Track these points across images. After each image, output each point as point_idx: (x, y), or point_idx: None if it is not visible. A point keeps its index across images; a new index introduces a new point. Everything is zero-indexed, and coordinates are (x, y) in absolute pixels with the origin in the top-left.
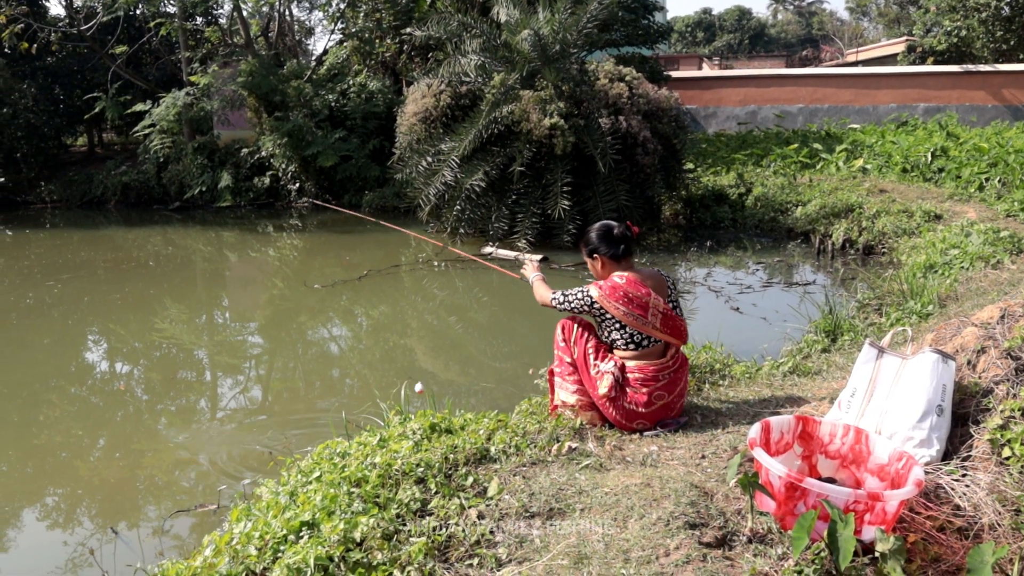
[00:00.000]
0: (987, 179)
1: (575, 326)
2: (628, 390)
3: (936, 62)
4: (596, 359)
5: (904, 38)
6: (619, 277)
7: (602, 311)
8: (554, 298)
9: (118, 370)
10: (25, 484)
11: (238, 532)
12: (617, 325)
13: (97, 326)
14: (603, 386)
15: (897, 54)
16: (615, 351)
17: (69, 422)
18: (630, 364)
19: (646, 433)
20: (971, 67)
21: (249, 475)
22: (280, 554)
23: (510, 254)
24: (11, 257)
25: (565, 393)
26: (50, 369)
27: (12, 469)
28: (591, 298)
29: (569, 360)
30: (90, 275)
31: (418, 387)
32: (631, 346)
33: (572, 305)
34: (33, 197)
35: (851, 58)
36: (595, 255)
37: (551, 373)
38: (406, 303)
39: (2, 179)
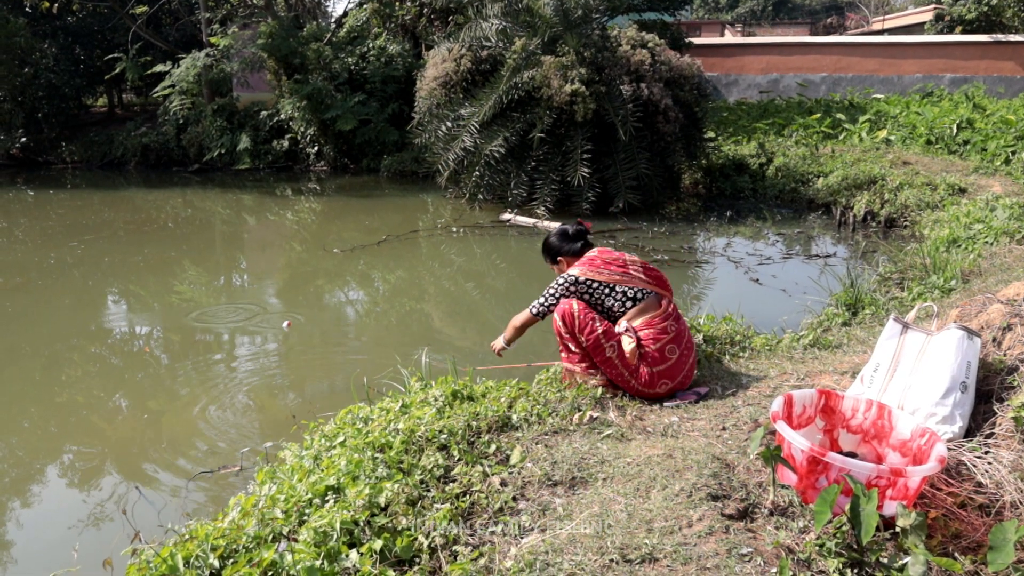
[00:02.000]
0: (1014, 152)
1: (575, 312)
2: (642, 351)
3: (965, 31)
4: (609, 340)
5: (932, 6)
6: (591, 253)
7: (587, 282)
8: (532, 308)
9: (138, 331)
10: (48, 442)
11: (264, 495)
12: (607, 290)
13: (118, 287)
14: (628, 346)
15: (924, 22)
16: (618, 320)
17: (90, 382)
18: (636, 323)
19: (667, 404)
20: (1000, 37)
21: (271, 438)
22: (306, 517)
23: (528, 221)
24: (33, 217)
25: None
26: (72, 329)
27: (35, 427)
28: (573, 276)
29: (576, 349)
30: (111, 236)
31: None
32: (628, 303)
33: (554, 295)
34: (54, 157)
35: (877, 26)
36: (559, 258)
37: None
38: (424, 268)
39: (24, 139)
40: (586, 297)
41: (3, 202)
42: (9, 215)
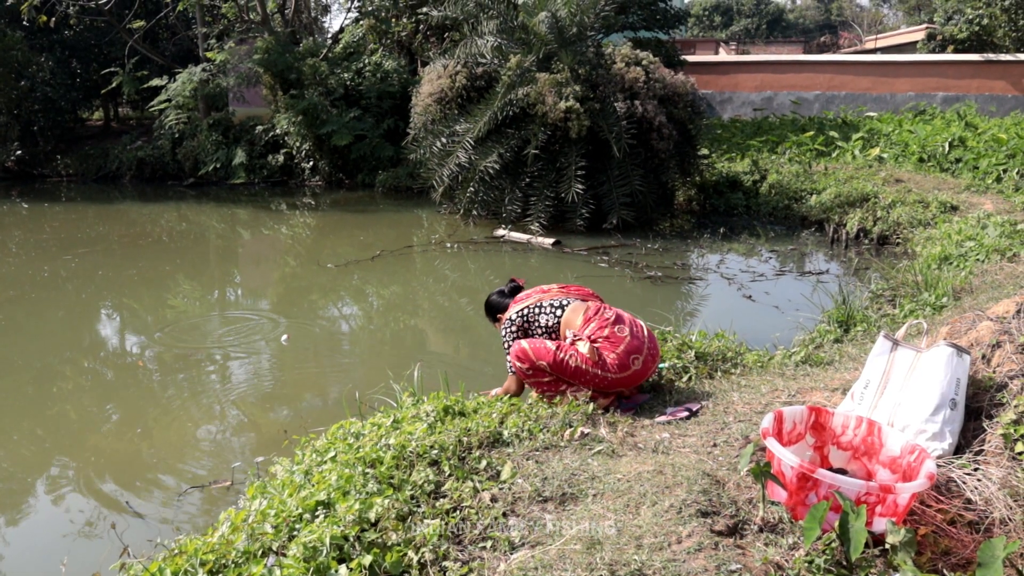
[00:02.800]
0: (1005, 170)
1: (526, 346)
2: (595, 345)
3: (956, 50)
4: (565, 352)
5: (924, 25)
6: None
7: (520, 312)
8: (510, 369)
9: (131, 345)
10: (39, 455)
11: (254, 510)
12: (537, 310)
13: (111, 301)
14: (584, 348)
15: (917, 42)
16: (557, 334)
17: (82, 395)
18: (576, 325)
19: (658, 420)
20: (992, 56)
21: (262, 452)
22: (296, 532)
23: (523, 237)
24: (28, 230)
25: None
26: (65, 342)
27: (26, 440)
28: (509, 319)
29: (547, 377)
30: (105, 250)
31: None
32: (558, 311)
33: (510, 342)
34: (49, 170)
35: (870, 45)
36: (499, 315)
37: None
38: (418, 284)
39: (19, 152)
40: (525, 327)
41: None
42: (3, 228)
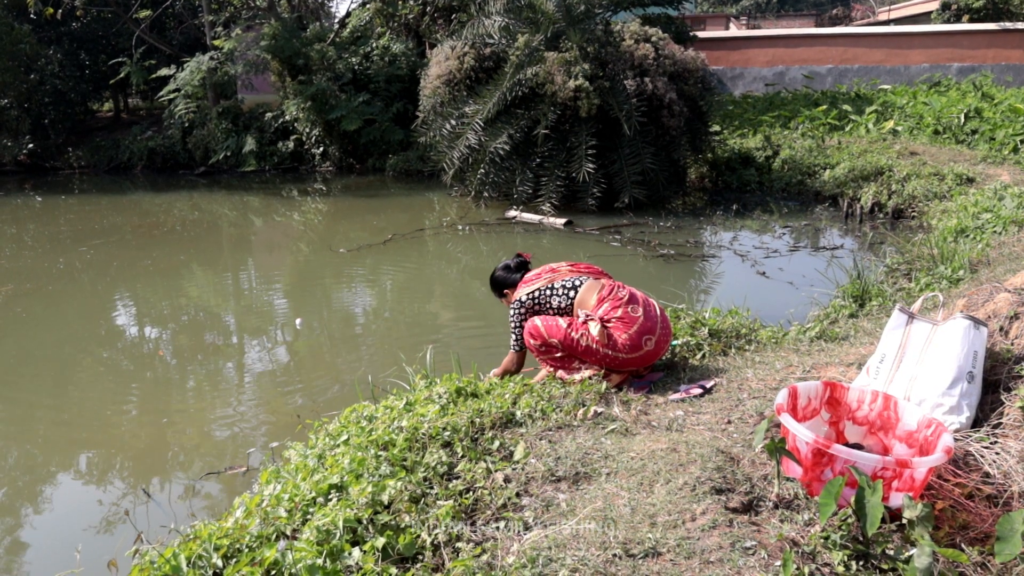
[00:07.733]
0: (1022, 141)
1: (539, 323)
2: (608, 326)
3: (972, 20)
4: (576, 331)
5: None
6: (526, 276)
7: (531, 297)
8: (513, 347)
9: (147, 335)
10: (58, 445)
11: (268, 494)
12: (548, 292)
13: (127, 291)
14: (594, 330)
15: (931, 12)
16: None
17: (100, 385)
18: (590, 305)
19: (671, 397)
20: (1008, 25)
21: (276, 438)
22: (310, 516)
23: (534, 218)
24: (42, 223)
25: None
26: (82, 333)
27: (46, 430)
28: (518, 301)
29: (559, 354)
30: (119, 240)
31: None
32: (571, 292)
33: (518, 324)
34: (61, 163)
35: (883, 16)
36: (505, 290)
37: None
38: (430, 267)
39: (31, 145)
40: (536, 309)
41: (12, 208)
42: (18, 221)
